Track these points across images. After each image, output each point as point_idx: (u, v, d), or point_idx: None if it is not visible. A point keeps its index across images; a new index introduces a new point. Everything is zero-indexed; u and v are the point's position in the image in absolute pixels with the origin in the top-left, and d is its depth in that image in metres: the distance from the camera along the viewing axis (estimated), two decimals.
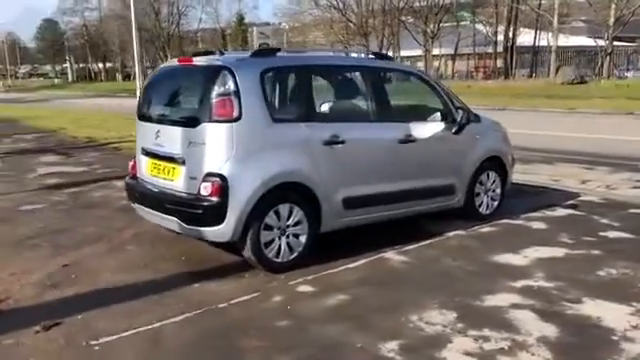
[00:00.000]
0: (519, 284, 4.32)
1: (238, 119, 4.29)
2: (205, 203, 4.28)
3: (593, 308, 3.88)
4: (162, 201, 4.62)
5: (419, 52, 43.10)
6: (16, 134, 15.84)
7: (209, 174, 4.28)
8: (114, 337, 3.47)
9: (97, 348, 3.34)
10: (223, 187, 4.24)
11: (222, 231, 4.33)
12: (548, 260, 4.89)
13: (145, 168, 4.95)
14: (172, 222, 4.56)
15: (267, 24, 58.24)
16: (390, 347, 3.33)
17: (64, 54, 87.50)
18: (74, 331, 3.56)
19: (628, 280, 4.41)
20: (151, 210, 4.80)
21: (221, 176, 4.25)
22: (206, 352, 3.29)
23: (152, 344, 3.39)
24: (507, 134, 6.56)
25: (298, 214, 4.62)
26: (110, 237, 5.61)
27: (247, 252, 4.47)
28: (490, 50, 41.38)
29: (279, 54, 4.79)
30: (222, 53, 4.93)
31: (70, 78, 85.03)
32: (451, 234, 5.64)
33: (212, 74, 4.40)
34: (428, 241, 5.40)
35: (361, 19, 41.29)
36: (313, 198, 4.67)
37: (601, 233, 5.66)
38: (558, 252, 5.09)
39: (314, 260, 4.77)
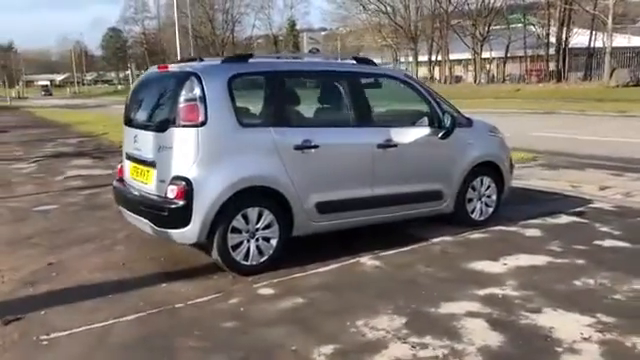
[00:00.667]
0: (485, 292, 4.23)
1: (204, 124, 4.40)
2: (171, 206, 4.41)
3: (551, 318, 3.76)
4: (138, 203, 4.78)
5: (469, 55, 42.38)
6: (61, 138, 16.62)
7: (175, 177, 4.40)
8: (65, 333, 3.62)
9: (45, 343, 3.50)
10: (188, 190, 4.35)
11: (187, 234, 4.44)
12: (527, 268, 4.76)
13: (128, 172, 5.13)
14: (146, 224, 4.71)
15: (324, 29, 58.63)
16: (324, 351, 3.34)
17: (127, 61, 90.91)
18: (31, 326, 3.73)
19: (602, 291, 4.24)
20: (130, 212, 4.97)
21: (186, 179, 4.36)
22: (141, 351, 3.39)
23: (97, 341, 3.52)
24: (504, 139, 6.41)
25: (268, 218, 4.67)
26: (104, 237, 5.83)
27: (214, 254, 4.56)
28: (543, 52, 40.14)
29: (251, 60, 4.87)
30: (201, 60, 5.06)
31: (131, 84, 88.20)
32: (437, 240, 5.56)
33: (181, 80, 4.54)
34: (410, 246, 5.35)
35: (409, 23, 40.93)
36: (284, 202, 4.72)
37: (596, 242, 5.45)
38: (541, 260, 4.94)
39: (288, 263, 4.81)
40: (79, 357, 3.35)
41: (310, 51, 52.18)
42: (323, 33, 57.48)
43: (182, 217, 4.39)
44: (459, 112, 6.04)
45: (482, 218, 6.07)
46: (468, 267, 4.80)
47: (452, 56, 42.99)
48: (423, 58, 43.72)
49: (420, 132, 5.44)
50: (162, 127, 4.55)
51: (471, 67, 44.56)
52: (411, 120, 5.52)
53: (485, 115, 24.17)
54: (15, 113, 35.19)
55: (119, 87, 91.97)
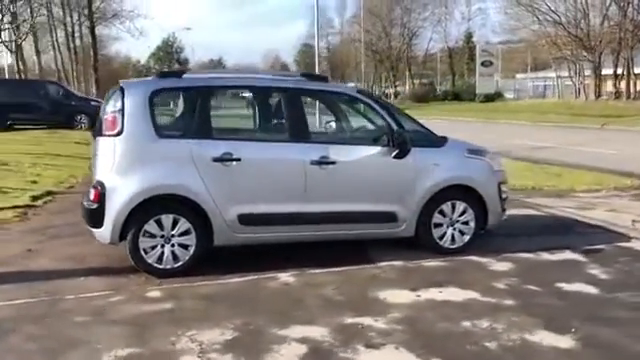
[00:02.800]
0: (352, 320, 4.00)
1: (120, 134, 4.79)
2: (90, 207, 4.86)
3: (376, 356, 3.50)
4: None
5: None
6: None
7: (97, 181, 4.85)
8: None
9: None
10: (101, 194, 4.77)
11: (102, 233, 4.86)
12: (436, 302, 4.38)
13: None
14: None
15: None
16: (119, 353, 3.48)
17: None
18: None
19: (480, 336, 3.77)
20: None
21: (101, 184, 4.78)
22: None
23: None
24: (493, 163, 5.81)
25: (184, 225, 4.89)
26: None
27: (128, 255, 4.90)
28: None
29: (185, 76, 5.14)
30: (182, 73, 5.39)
31: None
32: (384, 264, 5.30)
33: (112, 94, 4.98)
34: (346, 267, 5.16)
35: (587, 33, 37.46)
36: (202, 211, 4.90)
37: (559, 284, 4.78)
38: (464, 296, 4.50)
39: (211, 269, 5.02)
40: None
41: (482, 64, 50.56)
42: (498, 45, 54.95)
43: (97, 218, 4.82)
44: (429, 131, 5.69)
45: (454, 246, 5.61)
46: (374, 294, 4.52)
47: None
48: (608, 71, 39.72)
49: (367, 150, 5.25)
50: (95, 136, 5.04)
51: None
52: (361, 138, 5.34)
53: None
54: None
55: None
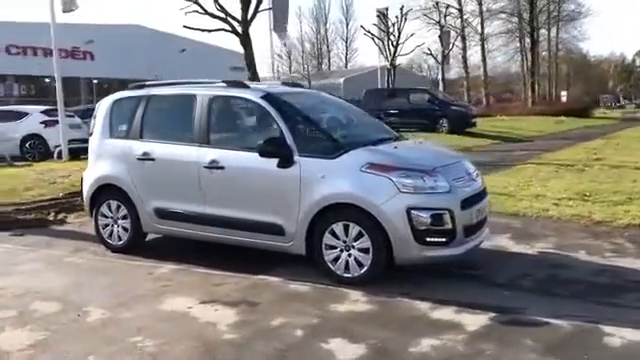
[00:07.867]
0: (86, 308, 4.44)
1: (91, 135, 6.18)
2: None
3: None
4: None
5: None
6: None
7: None
8: None
9: None
10: (81, 180, 6.28)
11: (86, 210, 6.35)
12: (180, 315, 4.35)
13: None
14: None
15: None
16: None
17: None
18: None
19: (107, 339, 3.73)
20: None
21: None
22: None
23: None
24: (402, 182, 4.56)
25: (123, 211, 5.91)
26: None
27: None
28: None
29: (146, 86, 6.12)
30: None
31: None
32: (259, 277, 5.11)
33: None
34: (224, 272, 5.22)
35: None
36: (131, 201, 5.83)
37: (383, 334, 3.85)
38: (220, 317, 4.25)
39: (159, 254, 5.88)
40: None
41: None
42: None
43: (81, 197, 6.37)
44: (332, 139, 5.03)
45: (349, 275, 4.80)
46: (164, 298, 4.69)
47: None
48: None
49: (252, 157, 5.09)
50: None
51: None
52: (252, 144, 5.16)
53: None
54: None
55: None
